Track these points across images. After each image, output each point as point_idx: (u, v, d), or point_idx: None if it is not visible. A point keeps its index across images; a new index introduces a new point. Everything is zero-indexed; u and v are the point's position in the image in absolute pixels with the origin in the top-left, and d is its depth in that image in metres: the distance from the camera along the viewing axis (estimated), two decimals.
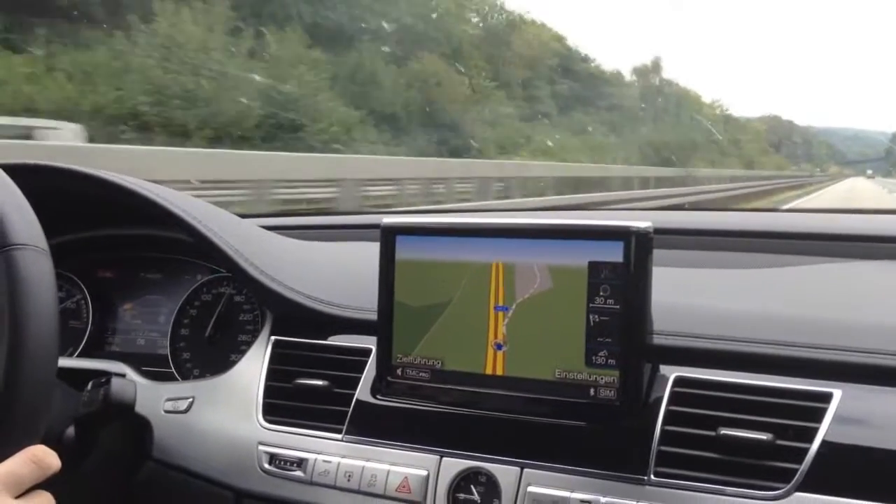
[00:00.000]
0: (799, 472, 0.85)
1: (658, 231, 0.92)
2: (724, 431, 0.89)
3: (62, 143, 8.17)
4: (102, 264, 1.54)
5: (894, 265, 1.20)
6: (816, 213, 1.72)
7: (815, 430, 0.86)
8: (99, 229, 1.52)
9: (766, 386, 0.91)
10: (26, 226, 0.86)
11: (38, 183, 1.21)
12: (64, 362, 0.95)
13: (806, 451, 0.85)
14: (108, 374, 1.06)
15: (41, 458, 0.81)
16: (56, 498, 0.83)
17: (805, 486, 0.84)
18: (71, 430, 1.01)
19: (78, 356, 1.43)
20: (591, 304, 0.92)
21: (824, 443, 0.85)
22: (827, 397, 0.88)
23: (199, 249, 1.30)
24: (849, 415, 0.86)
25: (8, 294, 0.82)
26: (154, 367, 1.38)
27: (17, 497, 0.79)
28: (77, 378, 1.06)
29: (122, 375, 1.19)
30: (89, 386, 1.04)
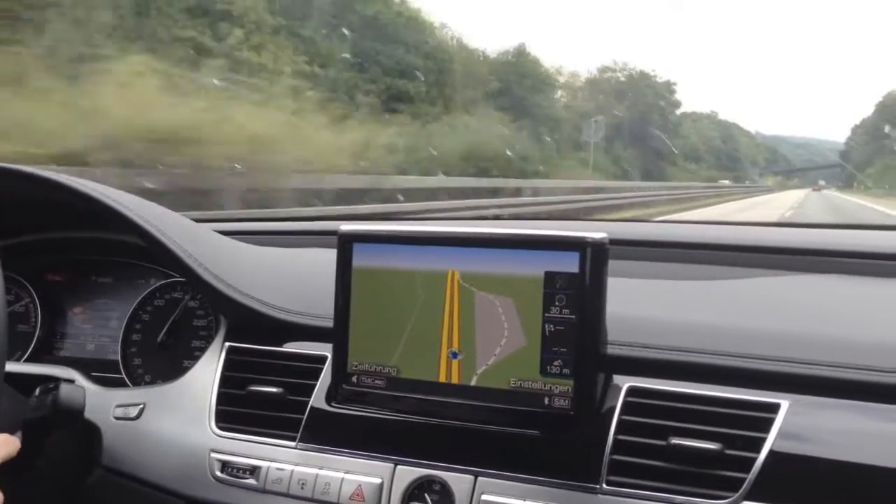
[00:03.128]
0: (746, 482, 0.86)
1: (614, 242, 0.93)
2: (674, 441, 0.90)
3: None
4: (52, 267, 1.51)
5: (844, 279, 1.23)
6: (771, 227, 1.75)
7: (763, 440, 0.88)
8: (49, 232, 1.49)
9: (716, 396, 0.93)
10: None
11: None
12: (12, 367, 0.93)
13: (753, 460, 0.87)
14: (56, 380, 1.05)
15: None
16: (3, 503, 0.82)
17: (752, 495, 0.86)
18: (18, 436, 0.99)
19: (26, 361, 1.40)
20: (546, 314, 0.93)
21: (771, 452, 0.87)
22: (774, 408, 0.90)
23: (153, 253, 1.28)
24: (795, 425, 0.88)
25: None
26: (104, 373, 1.36)
27: None
28: (25, 383, 1.04)
29: (72, 381, 1.17)
30: (37, 391, 1.02)
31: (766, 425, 0.89)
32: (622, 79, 58.95)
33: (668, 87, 64.70)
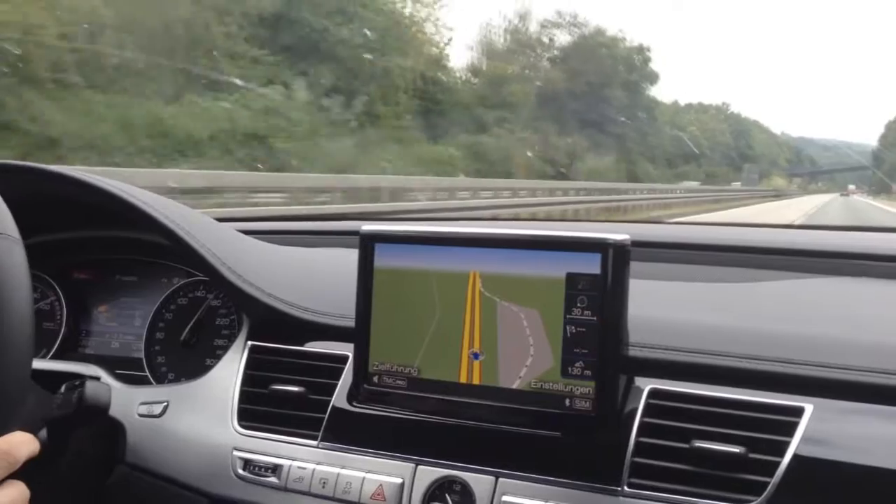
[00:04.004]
0: (770, 485, 0.86)
1: (636, 244, 0.93)
2: (697, 444, 0.90)
3: None
4: (77, 266, 1.53)
5: (866, 282, 1.22)
6: (792, 230, 1.74)
7: (787, 443, 0.87)
8: (74, 231, 1.51)
9: (739, 399, 0.92)
10: None
11: (12, 182, 1.21)
12: (37, 364, 0.94)
13: (777, 464, 0.86)
14: (81, 377, 1.06)
15: (7, 450, 0.80)
16: (29, 499, 0.83)
17: (775, 500, 0.85)
18: (43, 433, 1.00)
19: (51, 358, 1.42)
20: (568, 316, 0.92)
21: (795, 457, 0.86)
22: (799, 412, 0.89)
23: (176, 252, 1.30)
24: (820, 429, 0.88)
25: None
26: (128, 371, 1.37)
27: None
28: (50, 380, 1.05)
29: (97, 378, 1.18)
30: (63, 388, 1.03)
31: (789, 429, 0.88)
32: (571, 37, 39.94)
33: (641, 54, 44.26)
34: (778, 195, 48.48)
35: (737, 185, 53.81)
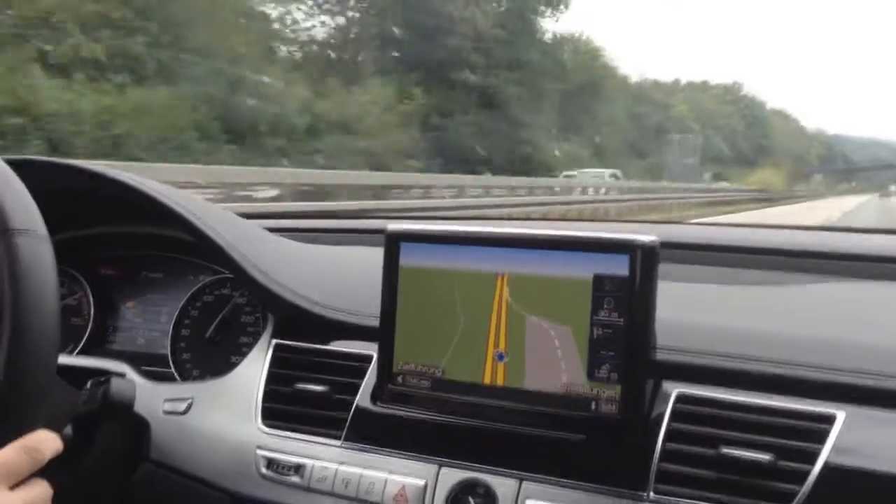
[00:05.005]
0: (800, 494, 0.84)
1: (664, 245, 0.92)
2: (725, 450, 0.88)
3: None
4: (105, 262, 1.54)
5: None
6: (823, 231, 1.71)
7: (818, 451, 0.85)
8: (102, 226, 1.52)
9: (769, 406, 0.90)
10: (25, 212, 0.86)
11: (41, 178, 1.21)
12: (64, 360, 0.95)
13: (807, 472, 0.85)
14: (107, 373, 1.06)
15: (34, 447, 0.81)
16: (52, 497, 0.83)
17: None
18: (69, 429, 1.01)
19: (78, 354, 1.43)
20: (594, 317, 0.91)
21: (826, 465, 0.84)
22: (830, 419, 0.87)
23: (202, 250, 1.30)
24: (852, 437, 0.86)
25: (9, 278, 0.82)
26: (154, 367, 1.37)
27: (13, 487, 0.79)
28: (76, 376, 1.06)
29: (122, 375, 1.19)
30: (88, 384, 1.04)
31: (820, 437, 0.86)
32: None
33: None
34: (769, 199, 31.25)
35: (613, 180, 28.01)
